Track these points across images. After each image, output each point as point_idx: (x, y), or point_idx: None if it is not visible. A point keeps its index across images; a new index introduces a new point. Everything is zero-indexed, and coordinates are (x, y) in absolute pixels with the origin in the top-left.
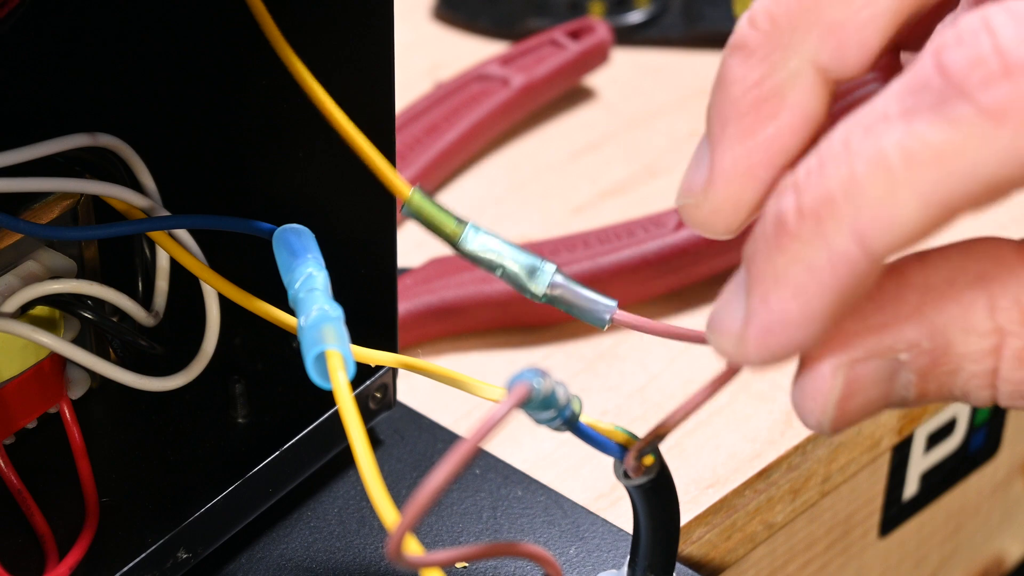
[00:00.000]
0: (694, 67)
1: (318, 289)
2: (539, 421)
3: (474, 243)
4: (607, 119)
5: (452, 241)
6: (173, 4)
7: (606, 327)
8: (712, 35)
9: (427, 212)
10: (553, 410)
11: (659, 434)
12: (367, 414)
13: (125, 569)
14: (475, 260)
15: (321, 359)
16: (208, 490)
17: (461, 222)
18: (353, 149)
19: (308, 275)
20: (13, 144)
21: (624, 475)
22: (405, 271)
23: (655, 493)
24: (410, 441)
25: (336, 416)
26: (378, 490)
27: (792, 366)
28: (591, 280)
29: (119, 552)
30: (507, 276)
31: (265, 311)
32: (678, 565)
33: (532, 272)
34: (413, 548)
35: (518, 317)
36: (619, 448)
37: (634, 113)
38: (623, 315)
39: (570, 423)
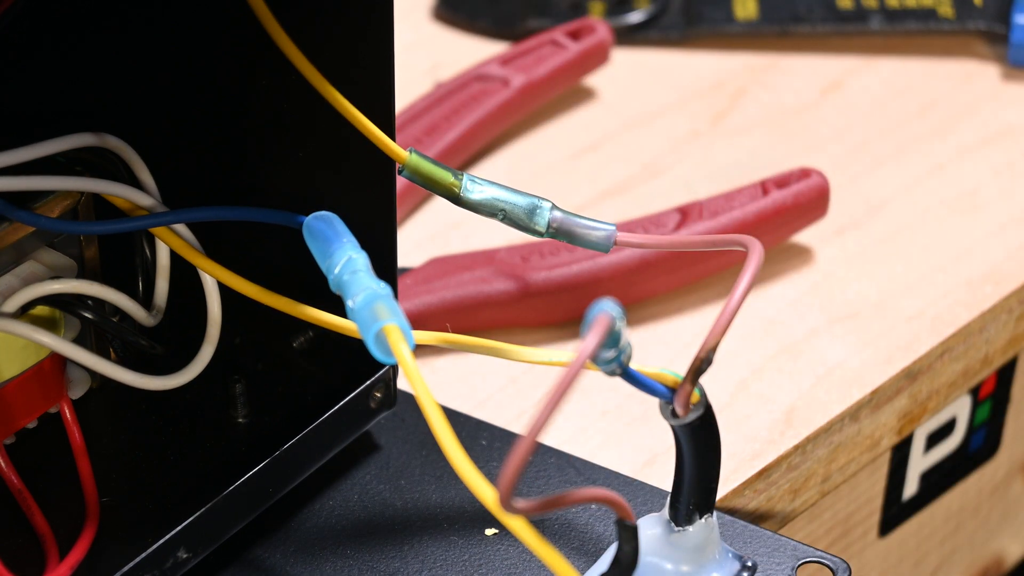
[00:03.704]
0: (694, 67)
1: (361, 270)
2: (601, 361)
3: (474, 192)
4: (607, 119)
5: (453, 194)
6: (174, 4)
7: (610, 250)
8: (712, 35)
9: (425, 170)
10: (615, 350)
11: (702, 358)
12: (368, 413)
13: (125, 569)
14: (477, 209)
15: (381, 336)
16: (208, 490)
17: (458, 175)
18: (350, 121)
19: (349, 258)
20: (13, 144)
21: (672, 414)
22: (405, 271)
23: (701, 430)
24: (411, 424)
25: (336, 416)
26: (454, 447)
27: (796, 367)
28: (592, 280)
29: (119, 552)
30: (509, 219)
31: (272, 300)
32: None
33: (532, 211)
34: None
35: (518, 317)
36: (667, 390)
37: (634, 113)
38: (624, 236)
39: (624, 366)
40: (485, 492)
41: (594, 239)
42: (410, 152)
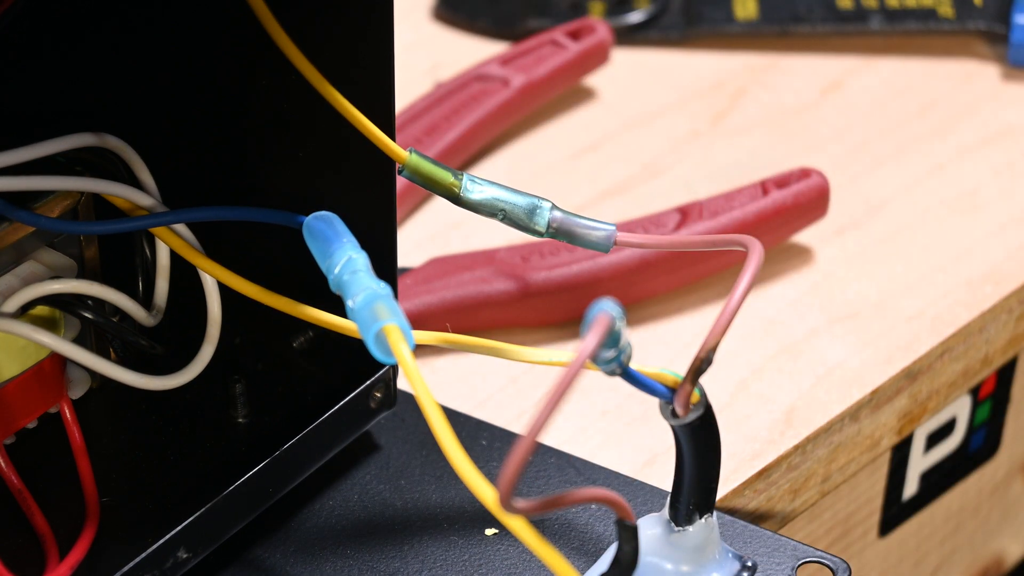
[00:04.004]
0: (694, 67)
1: (361, 270)
2: (601, 361)
3: (474, 192)
4: (607, 119)
5: (453, 194)
6: (174, 4)
7: (610, 250)
8: (712, 35)
9: (425, 170)
10: (615, 350)
11: (702, 358)
12: (368, 413)
13: (125, 568)
14: (477, 209)
15: (381, 336)
16: (208, 490)
17: (458, 175)
18: (350, 121)
19: (349, 258)
20: (13, 144)
21: (672, 414)
22: (405, 271)
23: (701, 430)
24: (411, 424)
25: (336, 416)
26: (454, 447)
27: (796, 367)
28: (592, 280)
29: (119, 552)
30: (509, 219)
31: (272, 300)
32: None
33: (532, 211)
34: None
35: (518, 317)
36: (667, 390)
37: (634, 113)
38: (624, 236)
39: (624, 366)
40: (485, 492)
41: (594, 239)
42: (410, 152)
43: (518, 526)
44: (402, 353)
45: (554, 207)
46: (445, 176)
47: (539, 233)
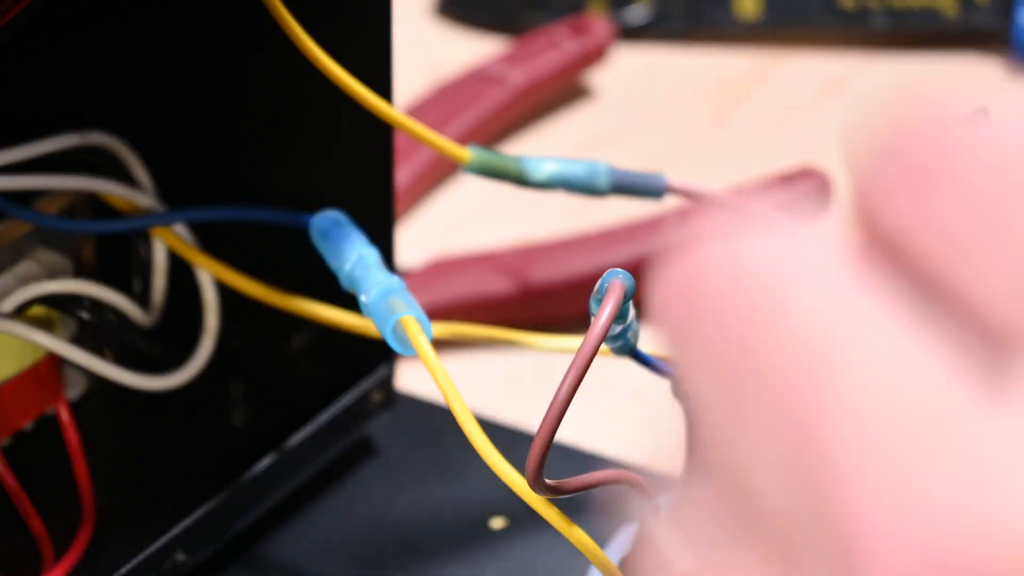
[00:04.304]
0: (694, 66)
1: (372, 266)
2: (610, 337)
3: (539, 173)
4: (607, 118)
5: (520, 179)
6: (174, 4)
7: (663, 196)
8: (713, 34)
9: (491, 163)
10: (622, 324)
11: None
12: (367, 413)
13: (123, 571)
14: (543, 187)
15: (398, 328)
16: (207, 491)
17: (517, 161)
18: (394, 125)
19: (359, 255)
20: (11, 142)
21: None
22: (405, 272)
23: None
24: (411, 424)
25: (335, 416)
26: (478, 434)
27: None
28: (592, 280)
29: (117, 554)
30: (571, 187)
31: (271, 297)
32: None
33: (592, 176)
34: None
35: (518, 317)
36: None
37: (634, 113)
38: (676, 184)
39: (633, 345)
40: (511, 476)
41: (652, 187)
42: (473, 149)
43: (544, 508)
44: (421, 343)
45: (608, 167)
46: (510, 164)
47: (601, 193)
